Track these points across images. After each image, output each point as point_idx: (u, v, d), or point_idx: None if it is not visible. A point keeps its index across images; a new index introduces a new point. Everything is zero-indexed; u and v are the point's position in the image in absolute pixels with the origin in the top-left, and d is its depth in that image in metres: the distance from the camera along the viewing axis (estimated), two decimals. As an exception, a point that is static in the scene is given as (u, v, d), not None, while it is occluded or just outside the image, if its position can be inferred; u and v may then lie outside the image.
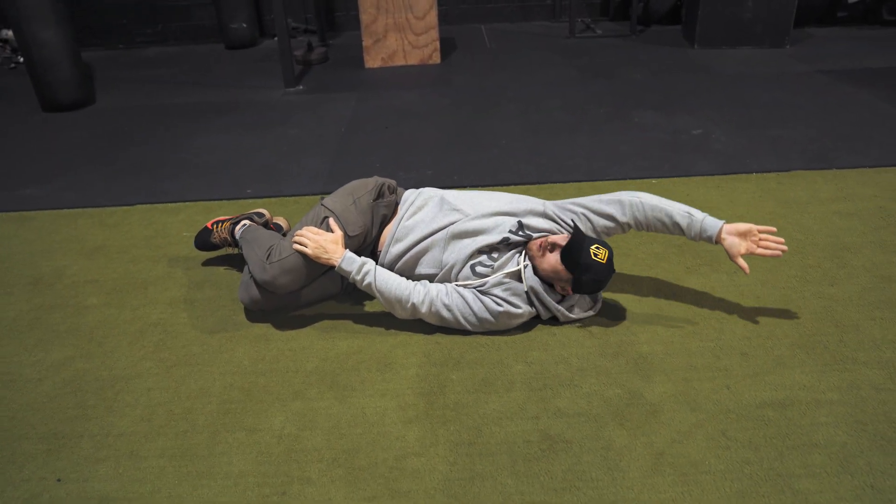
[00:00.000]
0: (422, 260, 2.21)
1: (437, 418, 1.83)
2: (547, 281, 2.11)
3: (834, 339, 2.08)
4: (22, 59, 5.61)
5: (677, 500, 1.58)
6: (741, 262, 2.09)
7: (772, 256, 2.10)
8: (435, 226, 2.22)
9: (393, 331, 2.18)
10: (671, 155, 3.41)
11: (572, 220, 2.17)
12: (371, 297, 2.30)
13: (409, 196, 2.36)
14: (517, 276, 2.11)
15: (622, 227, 2.19)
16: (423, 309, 2.10)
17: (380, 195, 2.29)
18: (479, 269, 2.12)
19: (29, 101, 4.82)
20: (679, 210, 2.14)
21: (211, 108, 4.46)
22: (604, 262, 1.99)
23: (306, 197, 3.12)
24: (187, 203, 3.11)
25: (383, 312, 2.26)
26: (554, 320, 2.19)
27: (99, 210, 3.09)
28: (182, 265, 2.60)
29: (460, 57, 5.37)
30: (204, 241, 2.54)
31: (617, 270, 2.43)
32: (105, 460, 1.74)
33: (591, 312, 2.21)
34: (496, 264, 2.12)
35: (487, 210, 2.23)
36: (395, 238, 2.25)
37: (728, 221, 2.11)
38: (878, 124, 3.72)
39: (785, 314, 2.21)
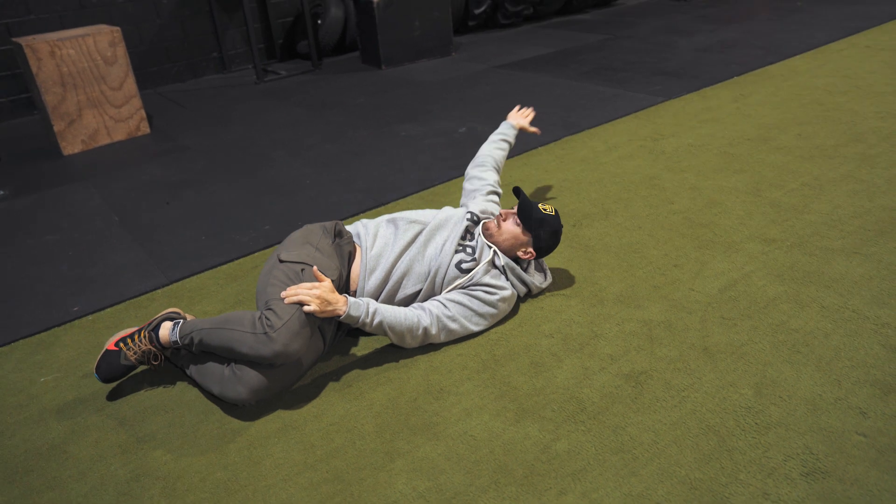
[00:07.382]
0: (405, 281, 2.20)
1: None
2: (510, 254, 2.30)
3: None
4: None
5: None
6: (531, 129, 2.87)
7: (531, 118, 2.92)
8: (402, 243, 2.23)
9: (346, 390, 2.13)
10: (464, 152, 3.78)
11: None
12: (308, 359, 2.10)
13: (358, 230, 2.33)
14: (492, 261, 2.25)
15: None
16: (434, 331, 2.12)
17: (337, 234, 2.23)
18: (464, 265, 2.20)
19: None
20: (497, 138, 2.77)
21: None
22: (554, 214, 2.29)
23: (147, 294, 2.67)
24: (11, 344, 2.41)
25: (333, 371, 2.15)
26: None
27: None
28: (82, 411, 2.06)
29: (168, 123, 4.94)
30: (112, 366, 2.03)
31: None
32: None
33: (548, 282, 2.46)
34: (475, 255, 2.23)
35: (436, 212, 2.36)
36: (368, 269, 2.19)
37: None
38: (576, 94, 4.67)
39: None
